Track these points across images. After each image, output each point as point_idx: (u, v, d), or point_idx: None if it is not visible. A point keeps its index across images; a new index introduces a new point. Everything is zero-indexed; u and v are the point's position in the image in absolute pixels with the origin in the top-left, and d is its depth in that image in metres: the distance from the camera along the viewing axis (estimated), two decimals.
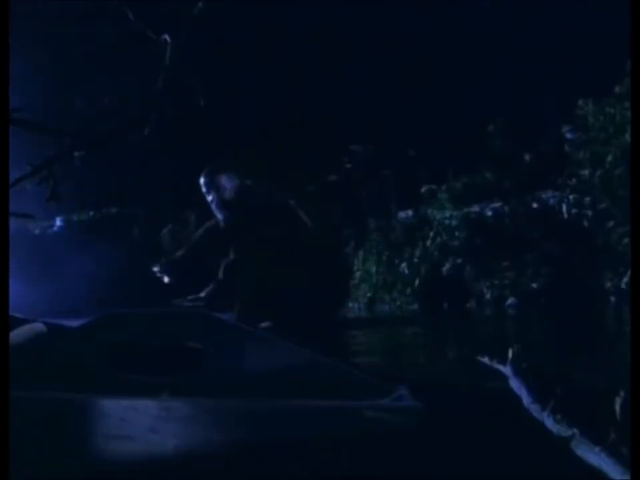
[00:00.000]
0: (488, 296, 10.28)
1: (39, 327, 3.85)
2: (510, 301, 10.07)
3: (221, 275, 8.67)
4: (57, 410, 3.01)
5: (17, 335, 3.61)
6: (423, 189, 11.77)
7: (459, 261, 10.69)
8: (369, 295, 11.16)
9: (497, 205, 11.07)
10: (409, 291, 10.81)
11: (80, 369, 3.52)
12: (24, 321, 3.88)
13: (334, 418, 2.99)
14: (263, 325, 7.85)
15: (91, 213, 14.04)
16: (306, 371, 3.52)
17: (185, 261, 8.96)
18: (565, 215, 10.46)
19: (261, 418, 2.98)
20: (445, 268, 10.75)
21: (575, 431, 3.07)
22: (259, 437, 2.96)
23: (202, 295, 8.54)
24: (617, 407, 3.10)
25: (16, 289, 4.10)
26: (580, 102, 10.67)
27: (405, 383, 3.44)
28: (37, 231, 13.93)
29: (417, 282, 10.76)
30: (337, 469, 2.95)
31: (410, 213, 11.78)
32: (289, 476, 2.92)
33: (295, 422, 2.97)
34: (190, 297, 8.39)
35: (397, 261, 11.15)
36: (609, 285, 9.55)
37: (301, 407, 3.04)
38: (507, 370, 4.43)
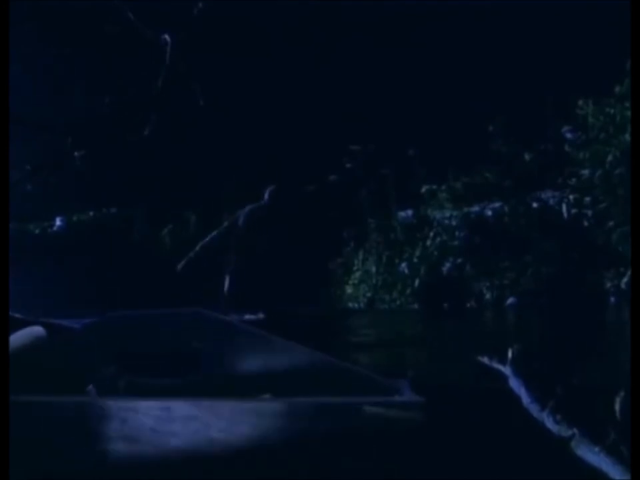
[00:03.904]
0: (488, 296, 10.27)
1: (38, 330, 3.84)
2: (510, 300, 10.07)
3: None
4: (59, 412, 3.01)
5: (16, 338, 3.60)
6: (423, 189, 11.76)
7: (459, 261, 10.68)
8: (368, 295, 11.14)
9: (497, 205, 11.05)
10: (409, 291, 10.79)
11: (81, 370, 3.52)
12: (24, 322, 3.87)
13: (335, 415, 2.99)
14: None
15: (91, 213, 14.03)
16: (305, 368, 3.52)
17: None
18: (565, 215, 10.45)
19: (262, 416, 2.99)
20: (445, 268, 10.74)
21: (575, 430, 3.07)
22: (259, 435, 2.96)
23: None
24: (617, 407, 3.10)
25: (17, 289, 4.10)
26: (580, 102, 10.66)
27: (405, 378, 3.43)
28: (37, 231, 13.93)
29: (417, 282, 10.75)
30: (337, 465, 2.95)
31: (410, 213, 11.76)
32: (290, 473, 2.92)
33: (296, 419, 2.98)
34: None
35: (397, 261, 11.13)
36: (608, 285, 9.54)
37: (301, 404, 3.04)
38: (506, 370, 4.44)
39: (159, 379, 3.55)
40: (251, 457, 2.96)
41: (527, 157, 11.33)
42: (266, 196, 11.97)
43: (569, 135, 10.92)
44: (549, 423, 3.32)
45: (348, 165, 12.69)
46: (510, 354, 4.55)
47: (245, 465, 2.96)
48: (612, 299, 9.33)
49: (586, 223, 10.19)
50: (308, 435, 2.96)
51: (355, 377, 3.46)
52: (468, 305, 10.26)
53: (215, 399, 3.10)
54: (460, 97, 11.48)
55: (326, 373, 3.49)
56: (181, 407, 2.99)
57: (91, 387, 3.45)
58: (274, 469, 2.95)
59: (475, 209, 11.18)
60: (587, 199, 10.25)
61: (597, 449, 2.84)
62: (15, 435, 2.70)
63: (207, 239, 9.88)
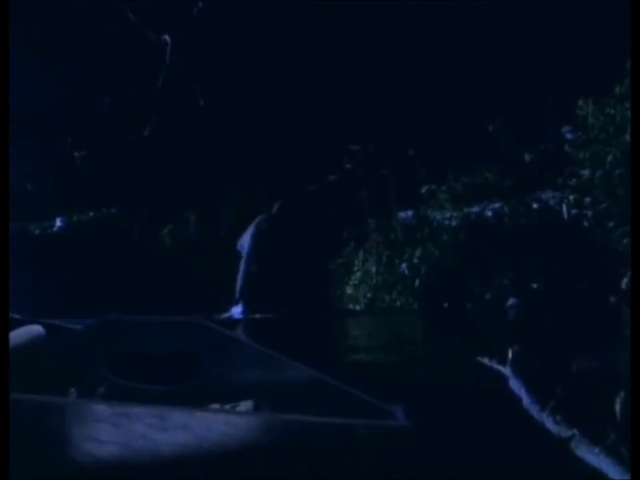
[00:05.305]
0: (488, 296, 10.26)
1: (36, 329, 3.84)
2: (510, 301, 10.06)
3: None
4: (49, 413, 3.00)
5: (13, 336, 3.60)
6: (423, 190, 11.75)
7: (459, 261, 10.67)
8: (369, 295, 11.13)
9: (497, 205, 11.05)
10: (409, 291, 10.79)
11: (76, 372, 3.52)
12: (24, 322, 3.87)
13: (328, 434, 2.98)
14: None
15: (91, 213, 14.04)
16: (302, 386, 3.52)
17: None
18: (565, 216, 10.45)
19: (254, 430, 2.97)
20: (445, 268, 10.74)
21: (575, 431, 3.07)
22: (249, 449, 2.94)
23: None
24: (617, 407, 3.10)
25: (17, 289, 4.09)
26: (580, 102, 10.66)
27: (400, 401, 3.42)
28: (37, 231, 13.93)
29: (417, 282, 10.74)
30: (333, 470, 2.95)
31: (410, 213, 11.76)
32: None
33: (289, 436, 2.96)
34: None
35: (397, 261, 11.13)
36: (608, 285, 9.53)
37: (296, 421, 3.02)
38: (506, 370, 4.44)
39: (151, 385, 3.55)
40: (241, 470, 2.96)
41: (527, 157, 11.32)
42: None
43: (568, 135, 10.91)
44: (549, 424, 3.32)
45: (348, 165, 12.69)
46: (510, 354, 4.55)
47: (234, 478, 2.96)
48: (612, 299, 9.32)
49: (586, 223, 10.19)
50: (299, 452, 2.95)
51: (350, 399, 3.45)
52: (468, 305, 10.25)
53: (208, 410, 3.09)
54: (460, 97, 11.48)
55: (321, 393, 3.48)
56: (174, 416, 2.98)
57: (73, 390, 3.45)
58: None
59: (475, 209, 11.18)
60: (587, 199, 10.25)
61: (596, 450, 2.84)
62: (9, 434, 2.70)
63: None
